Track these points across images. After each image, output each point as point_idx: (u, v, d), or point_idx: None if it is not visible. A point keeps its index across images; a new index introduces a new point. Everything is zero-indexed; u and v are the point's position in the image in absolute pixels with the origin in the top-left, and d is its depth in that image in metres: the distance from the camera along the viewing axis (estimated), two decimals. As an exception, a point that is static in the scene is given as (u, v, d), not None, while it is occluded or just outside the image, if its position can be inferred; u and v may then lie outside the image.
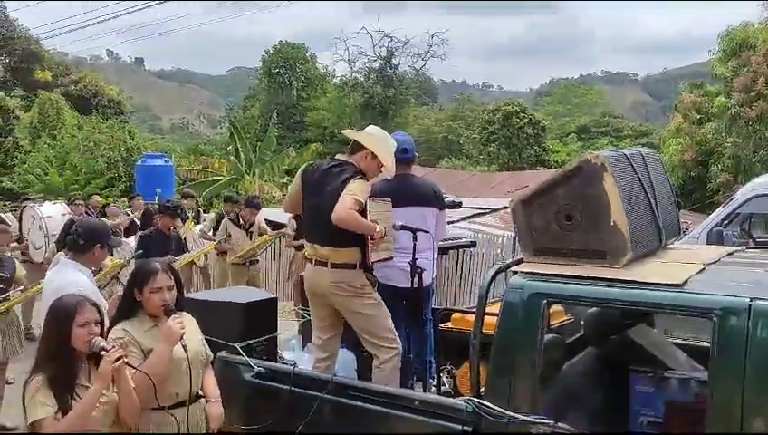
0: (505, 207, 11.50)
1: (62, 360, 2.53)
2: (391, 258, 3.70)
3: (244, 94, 41.31)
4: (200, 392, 3.01)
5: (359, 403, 3.08)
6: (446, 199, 4.38)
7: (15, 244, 7.55)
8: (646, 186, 2.99)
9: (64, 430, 2.47)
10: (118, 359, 2.51)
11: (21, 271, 5.59)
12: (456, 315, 4.02)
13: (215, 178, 22.12)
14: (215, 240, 8.10)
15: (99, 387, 2.51)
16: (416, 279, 3.67)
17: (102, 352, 2.52)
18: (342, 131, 4.07)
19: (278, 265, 11.22)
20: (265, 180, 22.12)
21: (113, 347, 2.56)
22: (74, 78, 27.92)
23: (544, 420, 2.60)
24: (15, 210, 9.91)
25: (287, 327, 5.87)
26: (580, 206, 2.77)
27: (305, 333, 4.76)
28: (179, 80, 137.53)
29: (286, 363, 3.74)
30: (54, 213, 7.64)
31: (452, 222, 7.99)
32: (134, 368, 2.62)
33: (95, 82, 28.52)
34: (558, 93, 60.98)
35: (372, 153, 3.65)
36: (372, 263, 3.56)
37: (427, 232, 3.86)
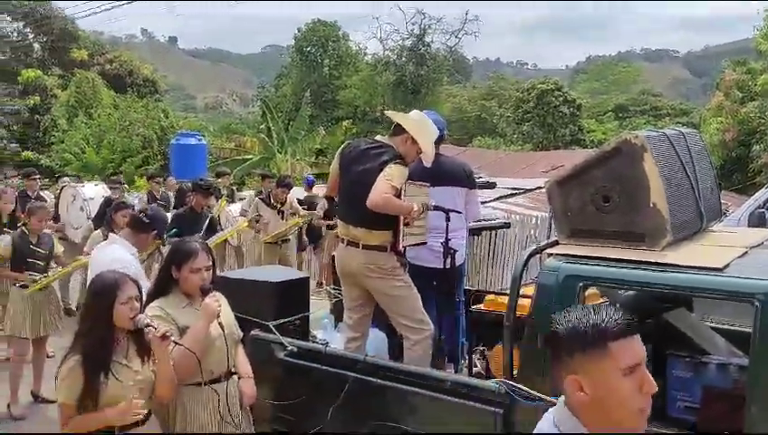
0: (539, 188, 11.34)
1: (100, 336, 2.56)
2: (424, 243, 3.68)
3: (276, 73, 41.28)
4: (233, 370, 3.05)
5: (390, 383, 3.08)
6: (479, 179, 4.33)
7: (51, 222, 7.72)
8: (687, 167, 2.91)
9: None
10: (164, 335, 2.55)
11: (59, 248, 5.71)
12: (489, 297, 3.98)
13: (246, 156, 22.32)
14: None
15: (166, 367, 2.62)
16: (448, 260, 3.63)
17: (147, 329, 2.57)
18: (386, 113, 4.03)
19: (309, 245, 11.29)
20: (297, 159, 22.23)
21: (158, 324, 2.61)
22: (110, 57, 28.28)
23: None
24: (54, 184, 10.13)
25: (318, 306, 5.90)
26: (619, 187, 2.71)
27: (337, 313, 4.79)
28: (213, 59, 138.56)
29: (318, 342, 3.75)
30: (96, 194, 7.76)
31: (484, 202, 7.91)
32: (177, 343, 2.65)
33: (130, 61, 28.85)
34: (595, 71, 59.87)
35: (413, 138, 3.60)
36: (404, 247, 3.54)
37: (460, 212, 3.82)
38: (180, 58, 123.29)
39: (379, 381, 3.12)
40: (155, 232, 3.82)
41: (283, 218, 8.00)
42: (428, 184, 3.70)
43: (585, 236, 2.81)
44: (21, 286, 5.30)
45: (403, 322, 3.64)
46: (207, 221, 7.01)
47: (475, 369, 3.94)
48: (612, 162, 2.72)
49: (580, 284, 2.69)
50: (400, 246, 3.51)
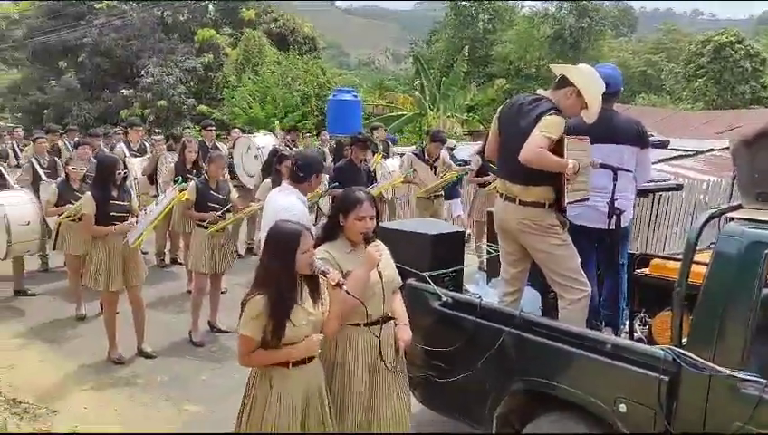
0: (712, 150, 10.47)
1: (287, 283, 2.76)
2: (587, 199, 3.55)
3: (429, 29, 41.00)
4: (390, 315, 3.18)
5: (546, 341, 3.05)
6: (650, 138, 4.07)
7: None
8: None
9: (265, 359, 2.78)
10: (337, 284, 2.73)
11: (234, 194, 6.17)
12: (655, 261, 3.78)
13: (399, 113, 22.58)
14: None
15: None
16: (613, 220, 3.48)
17: (323, 276, 2.76)
18: (550, 66, 3.85)
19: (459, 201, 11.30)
20: (448, 116, 22.15)
21: (331, 272, 2.78)
22: (275, 16, 29.59)
23: (755, 378, 2.39)
24: (225, 138, 10.92)
25: (468, 262, 5.92)
26: (819, 148, 2.43)
27: (490, 269, 4.80)
28: (367, 16, 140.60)
29: (472, 296, 3.79)
30: (266, 144, 8.34)
31: (652, 163, 7.43)
32: (348, 293, 2.79)
33: (292, 20, 30.01)
34: (784, 21, 53.04)
35: (578, 91, 3.45)
36: (567, 204, 3.43)
37: (629, 171, 3.63)
38: (337, 16, 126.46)
39: (533, 337, 3.11)
40: (314, 175, 4.02)
41: (435, 174, 8.07)
42: (587, 138, 3.54)
43: (774, 200, 2.57)
44: (202, 227, 5.84)
45: (559, 280, 3.57)
46: (365, 173, 7.26)
47: (635, 335, 3.80)
48: (814, 119, 2.44)
49: (766, 251, 2.47)
50: (565, 202, 3.41)
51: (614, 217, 3.48)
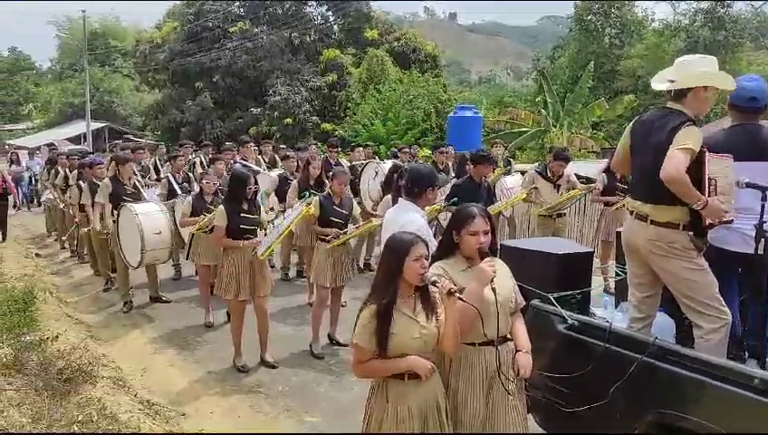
0: None
1: (391, 288, 2.78)
2: (731, 221, 3.30)
3: (552, 45, 40.06)
4: (508, 336, 3.08)
5: (683, 371, 2.84)
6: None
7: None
8: None
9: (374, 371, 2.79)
10: (449, 292, 2.70)
11: (357, 210, 6.27)
12: (809, 290, 3.42)
13: (521, 129, 22.18)
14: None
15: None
16: (761, 244, 3.19)
17: (434, 286, 2.74)
18: (653, 86, 3.65)
19: (583, 220, 10.91)
20: (573, 132, 21.48)
21: (444, 281, 2.76)
22: (397, 35, 30.12)
23: None
24: (347, 154, 11.17)
25: (594, 284, 5.67)
26: None
27: (618, 292, 4.57)
28: (489, 32, 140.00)
29: (600, 320, 3.61)
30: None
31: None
32: (461, 299, 2.74)
33: (414, 39, 30.40)
34: None
35: (703, 88, 3.31)
36: (710, 224, 3.20)
37: (782, 190, 3.33)
38: (458, 33, 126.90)
39: (669, 367, 2.90)
40: (429, 189, 3.98)
41: (558, 192, 7.84)
42: (730, 156, 3.31)
43: None
44: (324, 241, 5.95)
45: (693, 307, 3.34)
46: (485, 191, 7.17)
47: (784, 370, 3.45)
48: None
49: None
50: (706, 222, 3.19)
51: (762, 240, 3.19)
